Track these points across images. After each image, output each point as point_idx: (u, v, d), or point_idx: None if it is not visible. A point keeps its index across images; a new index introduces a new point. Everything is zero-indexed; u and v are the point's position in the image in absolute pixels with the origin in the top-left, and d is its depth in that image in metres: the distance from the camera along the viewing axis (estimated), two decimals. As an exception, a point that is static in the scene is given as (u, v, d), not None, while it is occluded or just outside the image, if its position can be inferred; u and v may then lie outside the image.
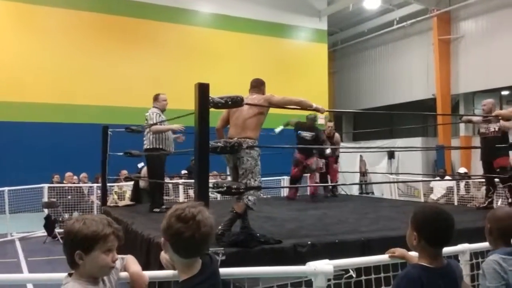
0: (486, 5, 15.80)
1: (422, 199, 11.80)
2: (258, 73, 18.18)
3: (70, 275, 1.79)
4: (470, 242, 2.90)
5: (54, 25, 13.82)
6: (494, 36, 15.58)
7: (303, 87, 16.86)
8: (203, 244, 1.80)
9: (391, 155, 15.93)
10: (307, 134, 8.18)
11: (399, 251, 2.45)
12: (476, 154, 15.21)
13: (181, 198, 10.60)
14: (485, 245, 2.69)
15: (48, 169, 11.59)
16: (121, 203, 8.00)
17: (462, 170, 12.24)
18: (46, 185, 10.20)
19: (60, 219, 9.37)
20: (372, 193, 15.62)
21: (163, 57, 15.15)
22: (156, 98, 6.78)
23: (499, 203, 8.39)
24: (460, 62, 16.92)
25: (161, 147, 6.46)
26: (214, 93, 3.75)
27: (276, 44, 17.42)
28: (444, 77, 17.11)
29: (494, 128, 6.29)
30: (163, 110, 6.73)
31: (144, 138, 6.64)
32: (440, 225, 1.99)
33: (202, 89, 3.52)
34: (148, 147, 6.56)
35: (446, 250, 2.62)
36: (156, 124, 6.40)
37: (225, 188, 3.88)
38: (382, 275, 2.45)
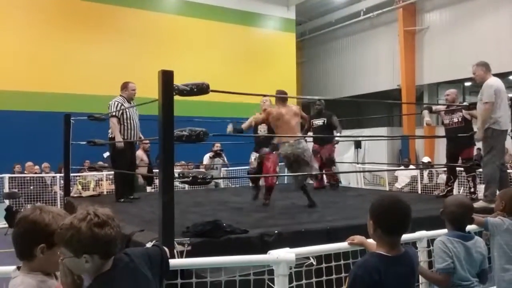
0: (450, -2, 16.16)
1: (387, 188, 12.05)
2: (226, 61, 18.12)
3: (18, 268, 1.74)
4: (431, 229, 2.99)
5: (13, 9, 13.25)
6: (458, 28, 15.96)
7: (271, 77, 16.87)
8: (121, 236, 1.79)
9: (357, 144, 16.16)
10: (318, 122, 8.02)
11: (358, 238, 2.51)
12: (439, 144, 15.64)
13: (148, 188, 10.47)
14: (441, 231, 2.78)
15: (8, 158, 11.19)
16: (85, 194, 7.85)
17: (426, 159, 12.56)
18: (6, 175, 9.90)
19: (22, 210, 9.11)
20: (340, 182, 15.85)
21: (128, 44, 14.77)
22: (125, 86, 6.59)
23: (460, 191, 8.66)
24: (425, 54, 17.28)
25: (122, 136, 6.33)
26: (181, 81, 3.69)
27: (244, 33, 17.31)
28: (409, 68, 17.45)
29: (458, 119, 6.40)
30: (130, 99, 6.57)
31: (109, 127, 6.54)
32: (396, 214, 2.02)
33: (166, 76, 3.44)
34: (110, 135, 6.46)
35: (404, 237, 2.70)
36: (115, 115, 6.25)
37: (190, 178, 3.85)
38: (342, 262, 2.49)
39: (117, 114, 6.29)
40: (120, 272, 1.73)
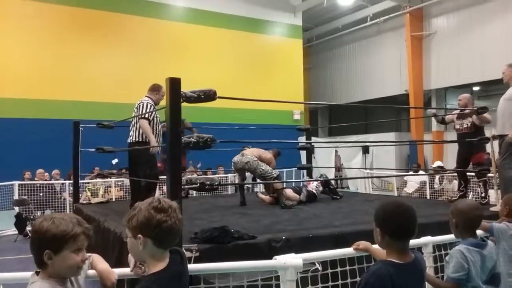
0: (457, 2, 16.12)
1: (395, 193, 11.99)
2: (233, 68, 18.16)
3: (37, 273, 1.76)
4: (439, 235, 2.98)
5: (20, 18, 13.42)
6: (465, 32, 15.91)
7: (278, 83, 16.96)
8: (180, 231, 1.86)
9: (365, 150, 16.12)
10: None
11: (363, 244, 2.50)
12: (448, 149, 15.56)
13: (157, 193, 10.51)
14: (447, 237, 2.76)
15: (19, 165, 11.31)
16: (94, 200, 7.89)
17: (438, 163, 12.43)
18: (16, 182, 9.96)
19: (32, 217, 9.18)
20: (347, 187, 15.84)
21: (135, 52, 14.91)
22: (157, 89, 5.78)
23: (470, 196, 8.58)
24: (432, 58, 17.23)
25: (148, 140, 5.54)
26: (188, 88, 3.72)
27: (251, 39, 17.40)
28: (416, 73, 17.41)
29: (467, 124, 6.36)
30: (157, 104, 5.82)
31: (130, 130, 5.77)
32: (400, 218, 2.00)
33: (174, 84, 3.48)
34: (133, 139, 5.65)
35: (410, 242, 2.69)
36: (147, 117, 5.46)
37: (198, 184, 3.87)
38: (347, 267, 2.49)
39: (149, 117, 5.53)
40: (171, 276, 1.79)
